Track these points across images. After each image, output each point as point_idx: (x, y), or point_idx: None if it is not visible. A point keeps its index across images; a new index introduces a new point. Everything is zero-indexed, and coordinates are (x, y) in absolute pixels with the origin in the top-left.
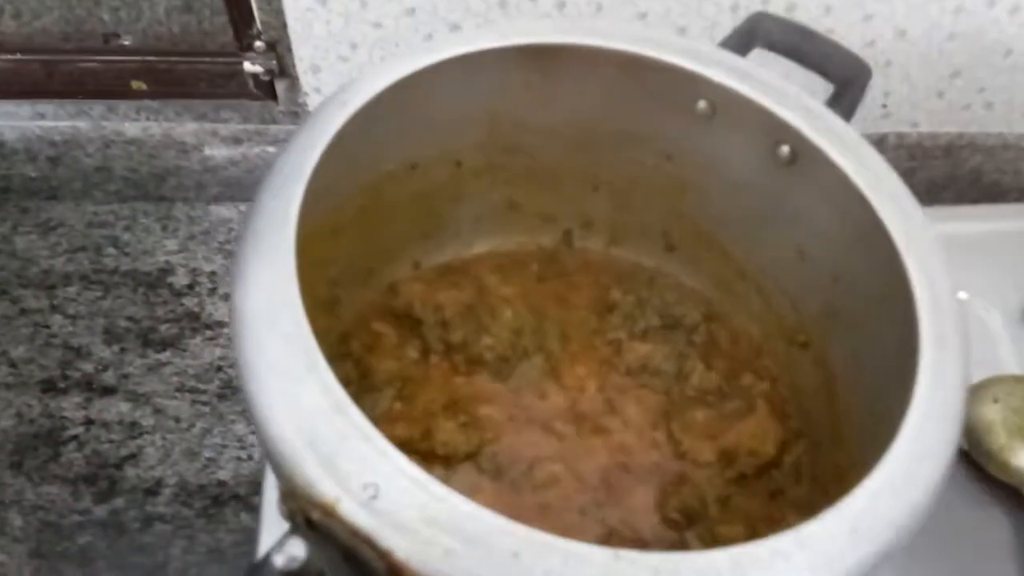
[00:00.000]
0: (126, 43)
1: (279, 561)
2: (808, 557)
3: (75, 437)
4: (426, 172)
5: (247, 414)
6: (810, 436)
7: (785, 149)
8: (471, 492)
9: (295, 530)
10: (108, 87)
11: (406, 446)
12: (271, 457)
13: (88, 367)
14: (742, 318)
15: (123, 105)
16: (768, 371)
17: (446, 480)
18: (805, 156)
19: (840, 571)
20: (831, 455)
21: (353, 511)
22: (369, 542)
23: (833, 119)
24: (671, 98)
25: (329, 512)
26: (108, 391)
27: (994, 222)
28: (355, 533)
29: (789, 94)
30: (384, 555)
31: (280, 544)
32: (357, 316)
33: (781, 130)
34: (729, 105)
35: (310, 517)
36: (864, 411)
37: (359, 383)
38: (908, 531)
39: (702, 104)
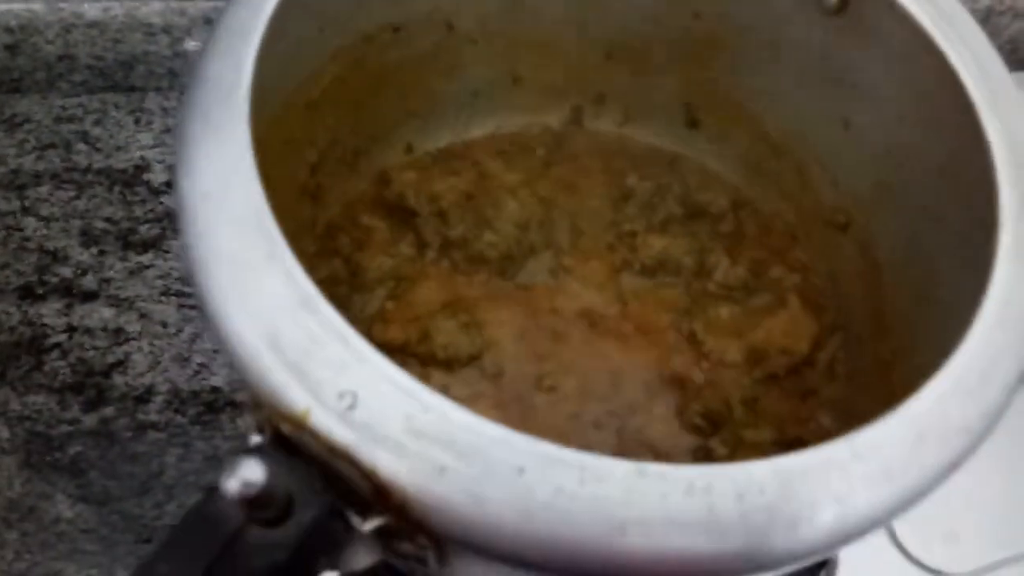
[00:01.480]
0: None
1: (232, 487)
2: (866, 468)
3: (58, 345)
4: (412, 37)
5: (202, 313)
6: (848, 328)
7: None
8: (472, 400)
9: (253, 449)
10: None
11: (403, 350)
12: (232, 362)
13: (66, 271)
14: (774, 201)
15: None
16: (800, 261)
17: (446, 387)
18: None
19: (903, 484)
20: (872, 348)
21: (327, 423)
22: (348, 458)
23: None
24: None
25: (300, 425)
26: (89, 296)
27: None
28: (331, 449)
29: None
30: (367, 474)
31: (232, 467)
32: (345, 207)
33: None
34: None
35: (280, 430)
36: (916, 299)
37: (349, 282)
38: (980, 437)
39: None
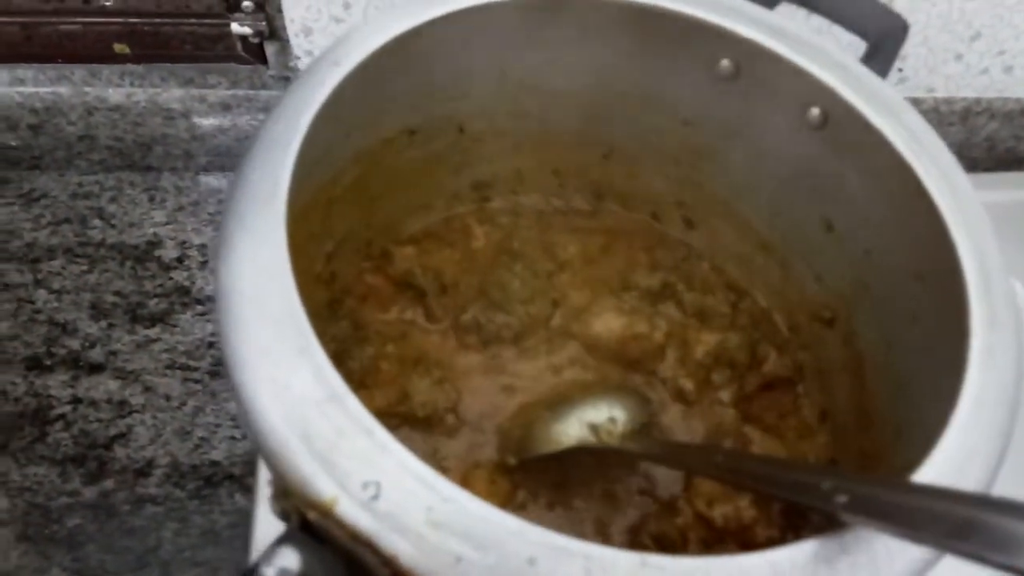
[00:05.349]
0: (108, 4)
1: (269, 575)
2: (854, 560)
3: (62, 416)
4: (427, 138)
5: (236, 404)
6: (834, 420)
7: (815, 112)
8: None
9: (288, 537)
10: (89, 50)
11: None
12: (262, 452)
13: (74, 344)
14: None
15: (106, 70)
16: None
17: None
18: (838, 119)
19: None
20: (857, 441)
21: (353, 512)
22: (371, 546)
23: (870, 78)
24: (691, 56)
25: (326, 513)
26: (96, 368)
27: (1010, 190)
28: (355, 536)
29: (822, 50)
30: (388, 561)
31: (269, 554)
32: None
33: (813, 90)
34: (755, 63)
35: (306, 518)
36: (896, 395)
37: (352, 336)
38: None
39: (725, 63)
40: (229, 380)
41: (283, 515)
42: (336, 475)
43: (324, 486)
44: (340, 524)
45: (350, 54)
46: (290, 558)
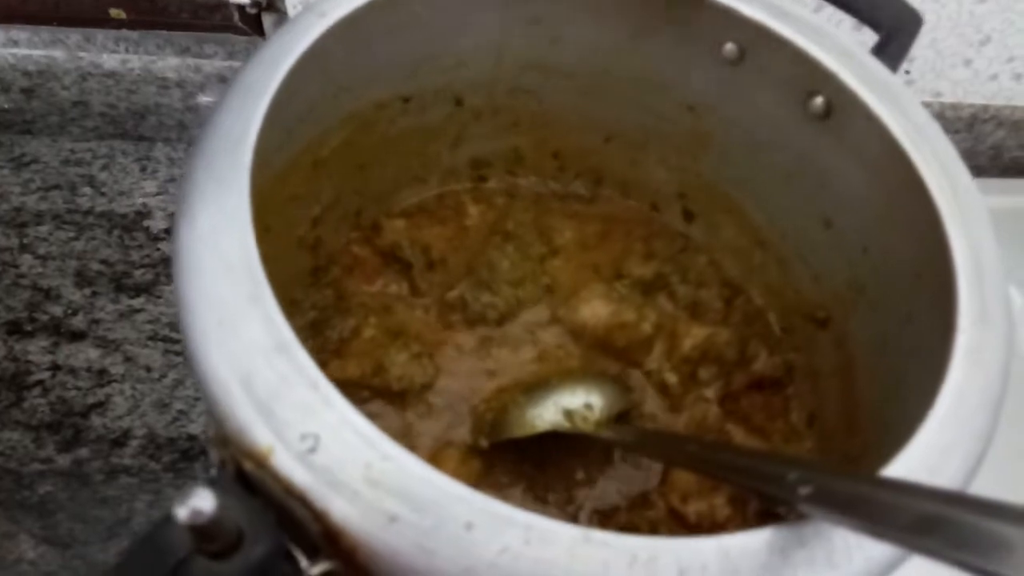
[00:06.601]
0: None
1: (182, 515)
2: (809, 553)
3: (40, 382)
4: (422, 108)
5: (183, 346)
6: (822, 424)
7: (819, 101)
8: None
9: (211, 481)
10: (85, 13)
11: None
12: (204, 397)
13: (57, 310)
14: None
15: (101, 34)
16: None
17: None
18: (841, 109)
19: (847, 571)
20: (842, 445)
21: (287, 463)
22: (303, 500)
23: (878, 68)
24: (695, 38)
25: (261, 463)
26: (77, 336)
27: (1012, 196)
28: (288, 489)
29: (830, 36)
30: (319, 516)
31: (184, 496)
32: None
33: (818, 77)
34: (760, 47)
35: (241, 467)
36: (885, 396)
37: (334, 306)
38: None
39: (730, 46)
40: (178, 322)
41: (220, 464)
42: (274, 425)
43: (261, 435)
44: (274, 475)
45: (337, 6)
46: (205, 499)
